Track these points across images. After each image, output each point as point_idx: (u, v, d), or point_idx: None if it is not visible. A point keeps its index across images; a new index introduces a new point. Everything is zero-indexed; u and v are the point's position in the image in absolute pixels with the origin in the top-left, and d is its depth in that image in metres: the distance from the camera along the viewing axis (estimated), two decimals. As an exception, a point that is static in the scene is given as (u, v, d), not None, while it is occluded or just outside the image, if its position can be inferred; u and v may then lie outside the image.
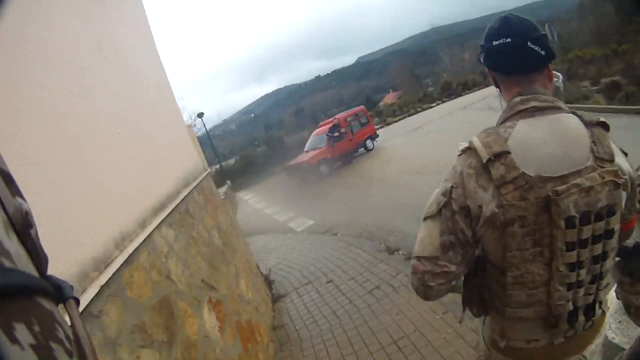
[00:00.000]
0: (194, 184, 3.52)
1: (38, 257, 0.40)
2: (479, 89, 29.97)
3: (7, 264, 0.31)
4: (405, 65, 63.16)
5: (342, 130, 16.99)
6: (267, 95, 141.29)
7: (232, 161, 26.75)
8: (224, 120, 62.47)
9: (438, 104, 28.79)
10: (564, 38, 37.86)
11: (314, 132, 18.84)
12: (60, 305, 0.42)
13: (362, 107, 20.38)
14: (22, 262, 0.35)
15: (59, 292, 0.41)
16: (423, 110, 28.05)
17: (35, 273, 0.38)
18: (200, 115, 25.25)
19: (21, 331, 0.29)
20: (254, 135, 29.28)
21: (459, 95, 30.55)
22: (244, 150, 26.60)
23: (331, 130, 16.92)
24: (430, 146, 13.68)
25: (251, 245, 8.96)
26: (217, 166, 24.87)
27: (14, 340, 0.27)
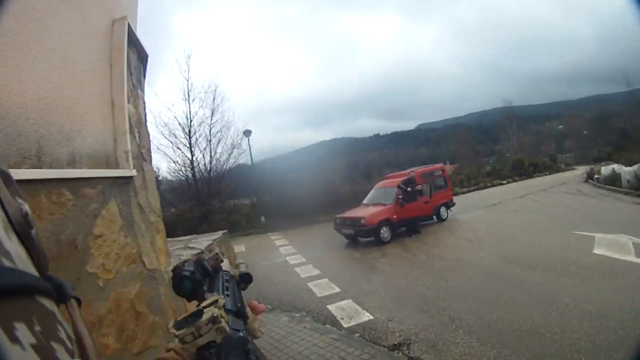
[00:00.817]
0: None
1: (38, 257, 0.39)
2: (549, 174, 31.58)
3: (7, 263, 0.31)
4: (467, 139, 61.62)
5: (419, 187, 13.23)
6: (324, 142, 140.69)
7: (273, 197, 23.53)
8: (277, 155, 60.57)
9: (508, 182, 28.45)
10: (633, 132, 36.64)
11: (379, 184, 15.11)
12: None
13: (441, 165, 16.60)
14: (22, 262, 0.35)
15: (60, 292, 0.40)
16: (493, 185, 27.21)
17: (35, 273, 0.37)
18: (247, 133, 21.91)
19: (22, 331, 0.29)
20: (304, 176, 26.51)
21: (530, 176, 30.74)
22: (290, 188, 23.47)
23: (405, 183, 13.08)
24: (530, 230, 10.53)
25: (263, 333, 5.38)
26: (254, 199, 21.74)
27: (14, 339, 0.28)
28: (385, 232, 11.94)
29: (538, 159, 35.83)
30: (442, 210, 14.43)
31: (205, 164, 22.03)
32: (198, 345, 0.58)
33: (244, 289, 0.87)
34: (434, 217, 14.14)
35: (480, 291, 6.38)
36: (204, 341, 0.58)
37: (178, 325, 0.59)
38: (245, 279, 0.89)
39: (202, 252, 2.87)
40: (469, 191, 25.13)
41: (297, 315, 6.37)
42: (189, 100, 22.48)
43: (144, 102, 3.17)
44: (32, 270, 0.36)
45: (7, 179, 0.39)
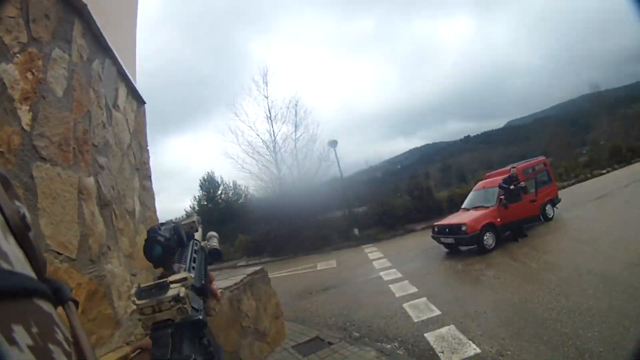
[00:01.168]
0: None
1: (36, 259, 0.39)
2: (646, 159, 28.28)
3: (4, 265, 0.31)
4: (557, 130, 57.57)
5: (522, 184, 11.55)
6: (415, 149, 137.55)
7: (365, 208, 22.74)
8: (371, 166, 60.65)
9: (608, 171, 26.23)
10: None
11: (478, 185, 13.65)
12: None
13: (543, 157, 14.68)
14: (20, 264, 0.35)
15: (58, 295, 0.40)
16: (593, 176, 25.26)
17: (33, 275, 0.37)
18: (333, 143, 21.19)
19: (19, 333, 0.29)
20: (398, 185, 25.60)
21: (629, 162, 27.87)
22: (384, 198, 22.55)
23: (506, 181, 11.53)
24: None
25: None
26: (347, 211, 21.10)
27: (12, 341, 0.28)
28: (489, 239, 10.59)
29: (636, 144, 31.89)
30: (548, 208, 12.66)
31: (292, 180, 22.09)
32: (155, 320, 0.54)
33: (210, 264, 0.80)
34: (540, 216, 12.37)
35: (609, 310, 5.14)
36: (162, 317, 0.54)
37: (140, 294, 0.56)
38: (214, 255, 0.83)
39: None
40: (569, 185, 23.22)
41: (389, 347, 5.54)
42: (270, 116, 22.83)
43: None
44: (30, 272, 0.36)
45: (5, 181, 0.39)
